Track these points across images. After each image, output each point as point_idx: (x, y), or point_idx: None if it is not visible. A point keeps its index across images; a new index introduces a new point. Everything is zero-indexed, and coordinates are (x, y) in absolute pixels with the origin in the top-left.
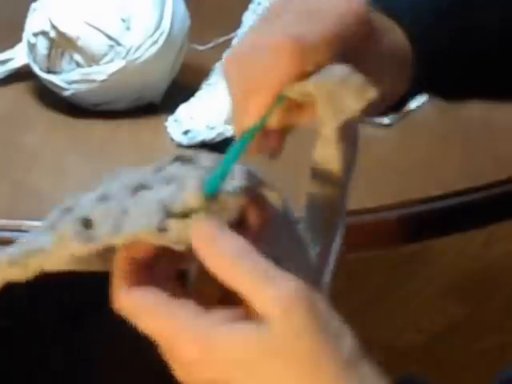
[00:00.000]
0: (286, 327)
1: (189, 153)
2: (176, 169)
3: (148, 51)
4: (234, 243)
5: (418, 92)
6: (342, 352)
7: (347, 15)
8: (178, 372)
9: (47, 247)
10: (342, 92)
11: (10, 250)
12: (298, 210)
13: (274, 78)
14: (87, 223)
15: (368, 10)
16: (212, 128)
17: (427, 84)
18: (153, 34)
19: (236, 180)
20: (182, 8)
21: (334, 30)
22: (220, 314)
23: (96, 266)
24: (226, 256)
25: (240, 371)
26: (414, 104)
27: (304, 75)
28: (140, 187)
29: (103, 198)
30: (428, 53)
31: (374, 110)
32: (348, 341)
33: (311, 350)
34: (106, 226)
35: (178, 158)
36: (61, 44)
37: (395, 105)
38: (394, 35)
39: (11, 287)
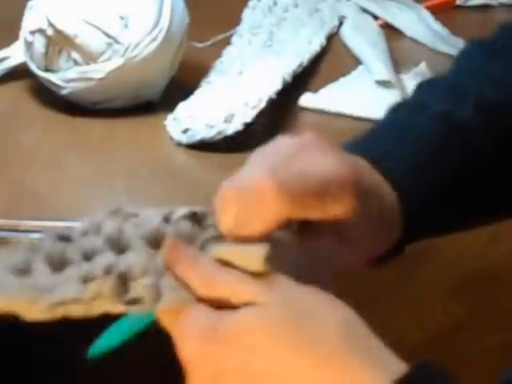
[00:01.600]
0: (275, 302)
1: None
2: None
3: (146, 49)
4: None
5: (413, 237)
6: (337, 321)
7: (332, 182)
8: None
9: (82, 298)
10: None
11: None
12: None
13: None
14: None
15: (357, 175)
16: (211, 126)
17: (421, 227)
18: (151, 32)
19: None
20: (180, 5)
21: (315, 191)
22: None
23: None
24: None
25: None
26: None
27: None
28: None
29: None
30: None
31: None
32: (342, 309)
33: (303, 323)
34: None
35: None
36: (58, 42)
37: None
38: (381, 194)
39: None
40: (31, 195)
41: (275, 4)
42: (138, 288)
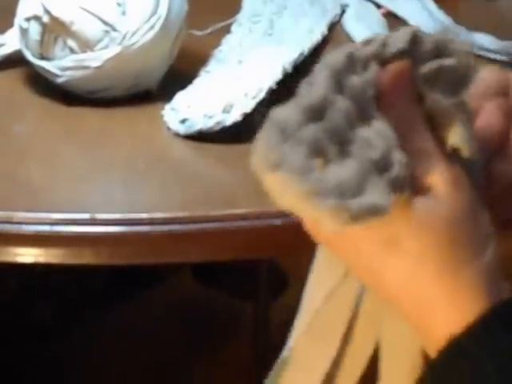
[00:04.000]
0: (451, 206)
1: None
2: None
3: (144, 37)
4: (415, 115)
5: None
6: (486, 256)
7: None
8: None
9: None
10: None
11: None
12: None
13: None
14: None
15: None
16: (210, 117)
17: None
18: (149, 19)
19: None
20: None
21: None
22: None
23: None
24: (411, 121)
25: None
26: None
27: None
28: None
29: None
30: None
31: None
32: (492, 246)
33: (463, 242)
34: None
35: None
36: (54, 29)
37: None
38: None
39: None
40: (25, 186)
41: None
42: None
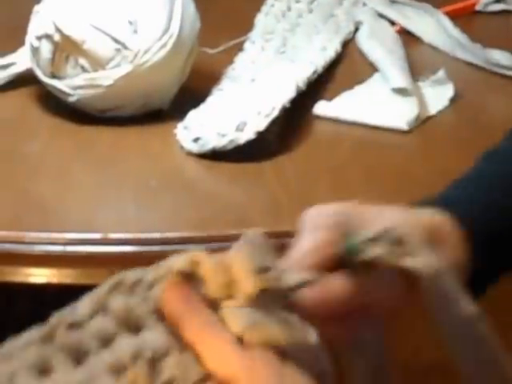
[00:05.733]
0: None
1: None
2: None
3: (156, 55)
4: (200, 320)
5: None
6: None
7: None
8: None
9: None
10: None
11: None
12: None
13: None
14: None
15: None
16: (223, 135)
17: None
18: (161, 38)
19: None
20: (191, 10)
21: None
22: None
23: None
24: (191, 331)
25: None
26: (434, 109)
27: None
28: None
29: None
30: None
31: None
32: None
33: None
34: None
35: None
36: (65, 48)
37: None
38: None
39: None
40: (37, 206)
41: (289, 9)
42: (169, 368)
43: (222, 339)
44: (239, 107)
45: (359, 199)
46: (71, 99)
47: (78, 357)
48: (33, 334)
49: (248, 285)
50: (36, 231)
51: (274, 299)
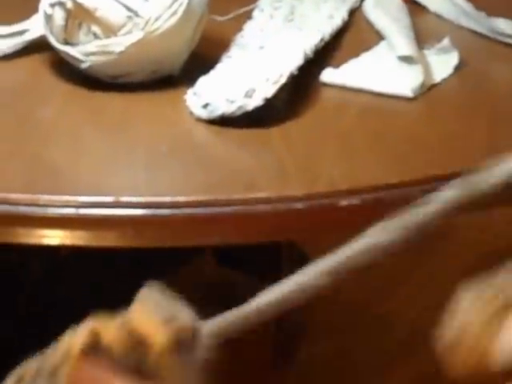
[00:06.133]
0: None
1: None
2: None
3: (167, 22)
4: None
5: None
6: None
7: None
8: None
9: None
10: None
11: None
12: None
13: None
14: None
15: None
16: (232, 101)
17: None
18: (171, 5)
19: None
20: None
21: None
22: None
23: None
24: None
25: None
26: (439, 76)
27: None
28: None
29: None
30: None
31: None
32: None
33: None
34: None
35: None
36: (78, 15)
37: None
38: None
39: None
40: (50, 170)
41: None
42: None
43: None
44: (248, 74)
45: (365, 164)
46: (83, 65)
47: None
48: None
49: (160, 337)
50: (49, 194)
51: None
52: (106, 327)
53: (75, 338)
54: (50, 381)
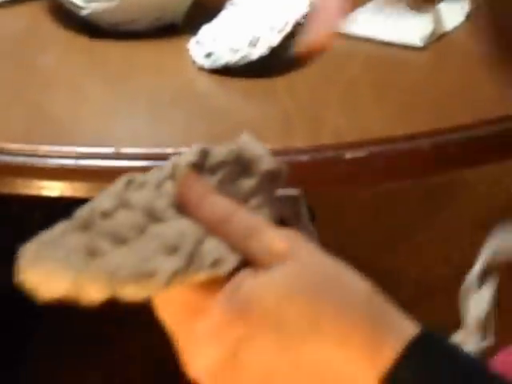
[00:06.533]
0: (303, 258)
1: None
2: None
3: None
4: (223, 201)
5: None
6: (358, 286)
7: None
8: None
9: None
10: None
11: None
12: None
13: None
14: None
15: None
16: (236, 51)
17: None
18: None
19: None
20: None
21: None
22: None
23: None
24: (218, 212)
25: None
26: (449, 25)
27: None
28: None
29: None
30: None
31: None
32: (362, 281)
33: (325, 283)
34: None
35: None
36: None
37: None
38: None
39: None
40: (49, 119)
41: None
42: (209, 252)
43: (254, 224)
44: (252, 22)
45: (371, 116)
46: (84, 13)
47: (120, 242)
48: (66, 225)
49: (266, 164)
50: (48, 144)
51: None
52: (216, 149)
53: (184, 156)
54: (156, 192)
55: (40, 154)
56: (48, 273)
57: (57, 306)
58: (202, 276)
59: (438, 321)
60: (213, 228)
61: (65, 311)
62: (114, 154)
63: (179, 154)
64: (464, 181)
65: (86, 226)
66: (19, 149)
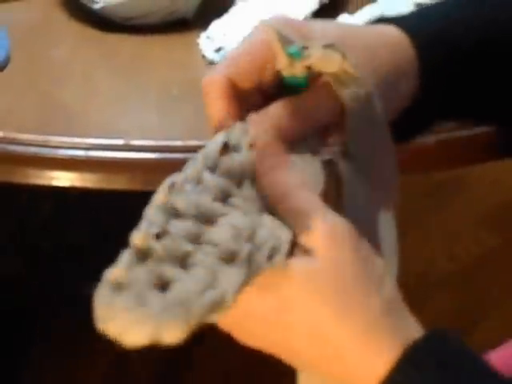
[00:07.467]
0: (331, 260)
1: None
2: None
3: None
4: (293, 175)
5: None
6: (382, 294)
7: None
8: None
9: (227, 298)
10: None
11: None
12: None
13: None
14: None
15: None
16: None
17: (437, 103)
18: None
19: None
20: None
21: None
22: None
23: None
24: (284, 185)
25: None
26: None
27: None
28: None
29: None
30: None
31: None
32: (389, 285)
33: (351, 288)
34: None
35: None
36: None
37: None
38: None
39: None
40: (61, 111)
41: None
42: (265, 242)
43: (309, 204)
44: (262, 18)
45: None
46: (97, 6)
47: (182, 259)
48: (127, 258)
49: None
50: (59, 135)
51: None
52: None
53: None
54: (197, 188)
55: (51, 144)
56: (127, 325)
57: (56, 306)
58: (263, 273)
59: (440, 315)
60: (273, 201)
61: (64, 311)
62: (123, 145)
63: (203, 145)
64: (470, 177)
65: (145, 254)
66: (31, 139)
